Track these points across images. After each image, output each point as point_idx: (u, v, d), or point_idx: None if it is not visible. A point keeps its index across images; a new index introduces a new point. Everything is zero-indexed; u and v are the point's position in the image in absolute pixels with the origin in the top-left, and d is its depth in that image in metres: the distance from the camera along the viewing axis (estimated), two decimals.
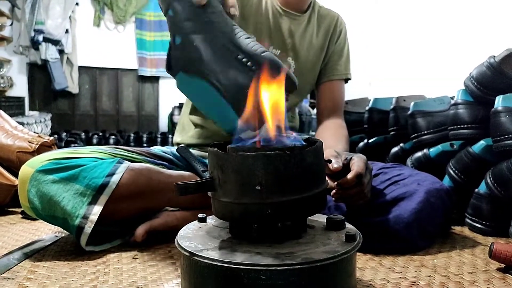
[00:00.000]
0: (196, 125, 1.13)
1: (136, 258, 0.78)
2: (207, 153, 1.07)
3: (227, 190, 0.54)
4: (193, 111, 1.14)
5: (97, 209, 0.78)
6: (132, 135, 3.68)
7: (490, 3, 2.84)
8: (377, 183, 0.89)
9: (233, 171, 0.53)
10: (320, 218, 0.65)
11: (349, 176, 0.76)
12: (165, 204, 0.89)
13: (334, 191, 0.78)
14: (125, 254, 0.80)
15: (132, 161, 0.89)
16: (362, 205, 0.83)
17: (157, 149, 1.05)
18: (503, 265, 0.74)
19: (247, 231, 0.56)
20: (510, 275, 0.71)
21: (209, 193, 0.58)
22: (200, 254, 0.51)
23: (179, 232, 0.60)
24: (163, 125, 4.26)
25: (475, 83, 1.00)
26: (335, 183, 0.77)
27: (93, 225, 0.77)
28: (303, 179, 0.53)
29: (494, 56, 0.98)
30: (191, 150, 1.09)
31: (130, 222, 0.86)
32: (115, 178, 0.80)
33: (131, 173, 0.83)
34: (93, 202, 0.78)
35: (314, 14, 1.15)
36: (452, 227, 0.98)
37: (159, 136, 3.70)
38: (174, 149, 1.09)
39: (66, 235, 0.92)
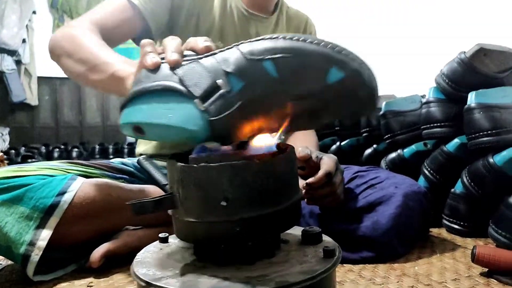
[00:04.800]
0: None
1: (91, 286, 0.70)
2: None
3: (189, 207, 0.47)
4: None
5: (45, 234, 0.69)
6: (97, 147, 3.53)
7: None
8: (353, 186, 0.85)
9: (195, 185, 0.46)
10: (295, 231, 0.59)
11: (318, 174, 0.72)
12: (126, 223, 0.81)
13: (304, 191, 0.74)
14: (79, 282, 0.72)
15: (87, 177, 0.80)
16: (336, 208, 0.79)
17: (117, 161, 0.96)
18: (485, 269, 0.71)
19: (213, 253, 0.49)
20: (494, 280, 0.67)
21: (170, 212, 0.51)
22: (157, 284, 0.44)
23: (136, 256, 0.53)
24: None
25: (446, 80, 0.98)
26: (305, 182, 0.73)
27: (41, 252, 0.68)
28: (274, 191, 0.47)
29: (465, 52, 0.96)
30: (154, 161, 1.01)
31: (85, 245, 0.77)
32: (67, 197, 0.72)
33: (86, 190, 0.74)
34: (41, 225, 0.69)
35: (282, 16, 1.10)
36: (429, 229, 0.95)
37: (125, 147, 3.57)
38: (136, 160, 1.01)
39: (12, 263, 0.82)
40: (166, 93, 0.49)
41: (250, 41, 0.47)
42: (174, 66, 0.49)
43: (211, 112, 0.47)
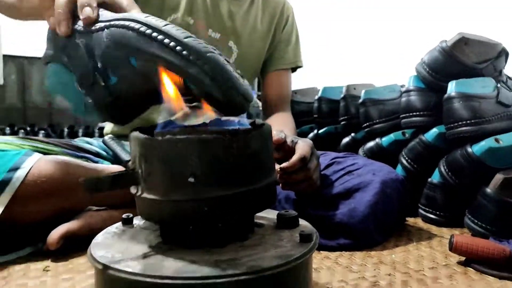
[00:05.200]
0: None
1: (47, 270, 0.64)
2: None
3: (153, 184, 0.42)
4: None
5: None
6: (66, 129, 3.38)
7: None
8: (330, 173, 0.82)
9: (160, 160, 0.41)
10: (270, 214, 0.55)
11: (293, 159, 0.69)
12: (88, 203, 0.75)
13: (278, 176, 0.70)
14: (34, 265, 0.66)
15: (45, 154, 0.74)
16: (312, 194, 0.76)
17: (80, 140, 0.90)
18: (462, 258, 0.70)
19: (180, 235, 0.45)
20: (471, 269, 0.66)
21: (132, 189, 0.46)
22: (116, 266, 0.40)
23: (95, 238, 0.48)
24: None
25: (427, 69, 0.96)
26: (279, 167, 0.69)
27: None
28: (247, 169, 0.43)
29: (446, 41, 0.94)
30: (122, 142, 0.95)
31: (43, 226, 0.71)
32: (20, 173, 0.66)
33: (43, 166, 0.68)
34: None
35: None
36: (406, 218, 0.94)
37: (96, 130, 3.44)
38: (101, 142, 0.95)
39: None
40: (59, 66, 0.52)
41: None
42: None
43: (88, 100, 0.49)
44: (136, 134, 0.44)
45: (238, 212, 0.43)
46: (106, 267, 0.40)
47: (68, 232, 0.69)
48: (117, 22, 0.46)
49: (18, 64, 3.74)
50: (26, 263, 0.67)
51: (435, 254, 0.73)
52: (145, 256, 0.42)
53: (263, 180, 0.45)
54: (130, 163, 0.46)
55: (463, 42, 0.90)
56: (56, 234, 0.68)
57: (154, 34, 0.43)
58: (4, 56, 3.60)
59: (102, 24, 0.48)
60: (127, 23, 0.45)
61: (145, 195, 0.43)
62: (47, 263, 0.67)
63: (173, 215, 0.42)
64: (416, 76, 1.01)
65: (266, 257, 0.41)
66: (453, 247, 0.67)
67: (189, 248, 0.44)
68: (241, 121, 0.50)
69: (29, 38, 3.59)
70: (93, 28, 0.49)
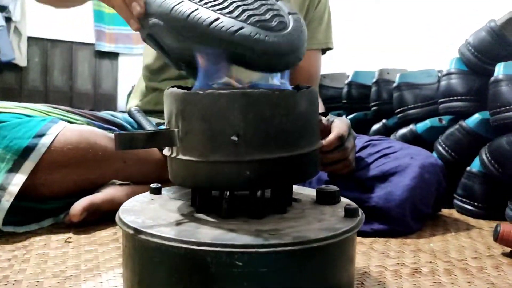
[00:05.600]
0: (154, 90, 0.96)
1: (69, 242, 0.61)
2: None
3: (190, 144, 0.39)
4: (152, 75, 0.97)
5: (19, 179, 0.61)
6: None
7: None
8: (365, 155, 0.77)
9: (199, 117, 0.38)
10: (306, 191, 0.51)
11: (330, 137, 0.65)
12: (112, 176, 0.73)
13: None
14: (56, 237, 0.64)
15: (71, 123, 0.72)
16: (346, 176, 0.72)
17: (105, 113, 0.87)
18: (507, 250, 0.65)
19: (215, 202, 0.41)
20: None
21: (165, 151, 0.43)
22: (148, 231, 0.36)
23: (123, 204, 0.45)
24: (122, 104, 3.97)
25: (472, 50, 0.90)
26: None
27: (12, 198, 0.60)
28: (294, 132, 0.39)
29: (495, 20, 0.87)
30: (148, 117, 0.92)
31: (66, 197, 0.69)
32: (46, 140, 0.63)
33: (69, 134, 0.66)
34: (15, 169, 0.61)
35: None
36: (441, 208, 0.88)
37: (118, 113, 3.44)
38: (126, 115, 0.92)
39: None
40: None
41: None
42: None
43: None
44: (173, 89, 0.40)
45: (281, 179, 0.39)
46: (137, 231, 0.37)
47: (91, 204, 0.67)
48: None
49: (42, 46, 3.77)
50: (47, 234, 0.65)
51: (476, 245, 0.68)
52: (178, 223, 0.39)
53: (309, 146, 0.41)
54: (164, 124, 0.43)
55: None
56: (79, 206, 0.66)
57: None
58: (29, 38, 3.63)
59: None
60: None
61: (180, 156, 0.40)
62: (69, 234, 0.65)
63: (211, 179, 0.39)
64: (458, 58, 0.95)
65: (311, 229, 0.37)
66: (499, 237, 0.62)
67: (224, 218, 0.40)
68: (284, 85, 0.46)
69: (54, 21, 3.61)
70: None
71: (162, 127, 0.46)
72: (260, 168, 0.38)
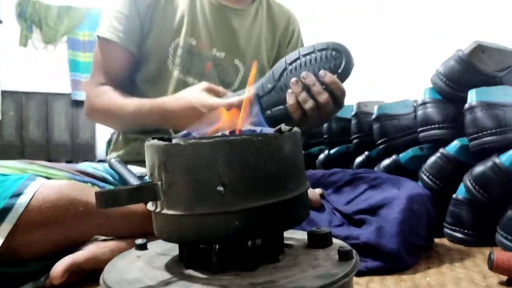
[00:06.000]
0: (135, 140, 0.95)
1: None
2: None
3: (175, 197, 0.37)
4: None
5: None
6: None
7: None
8: (352, 188, 0.77)
9: (183, 169, 0.37)
10: (297, 235, 0.50)
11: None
12: (94, 232, 0.69)
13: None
14: None
15: (48, 179, 0.69)
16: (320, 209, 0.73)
17: (84, 165, 0.85)
18: (503, 278, 0.64)
19: (204, 257, 0.40)
20: None
21: (149, 206, 0.41)
22: None
23: (108, 264, 0.43)
24: (101, 153, 3.92)
25: (444, 79, 0.93)
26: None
27: None
28: (281, 176, 0.38)
29: (462, 50, 0.91)
30: (130, 167, 0.90)
31: (45, 258, 0.65)
32: (23, 200, 0.60)
33: (47, 192, 0.63)
34: None
35: (262, 8, 1.03)
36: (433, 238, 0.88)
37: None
38: (107, 166, 0.90)
39: None
40: None
41: None
42: None
43: None
44: (153, 141, 0.39)
45: (272, 226, 0.38)
46: None
47: (73, 264, 0.63)
48: None
49: (16, 99, 3.73)
50: None
51: (472, 275, 0.67)
52: (167, 282, 0.37)
53: (297, 190, 0.40)
54: (146, 176, 0.41)
55: (480, 50, 0.88)
56: (60, 266, 0.62)
57: None
58: (3, 92, 3.59)
59: None
60: None
61: (165, 210, 0.38)
62: None
63: (198, 232, 0.37)
64: (431, 88, 0.98)
65: (306, 277, 0.36)
66: (494, 265, 0.62)
67: (214, 273, 0.38)
68: (264, 130, 0.46)
69: (28, 73, 3.60)
70: None
71: (146, 178, 0.45)
72: (249, 217, 0.36)
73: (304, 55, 0.74)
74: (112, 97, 0.90)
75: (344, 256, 0.40)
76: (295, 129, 0.43)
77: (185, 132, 0.45)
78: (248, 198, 0.36)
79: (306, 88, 0.72)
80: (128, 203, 0.37)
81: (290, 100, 0.73)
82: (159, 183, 0.38)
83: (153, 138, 0.41)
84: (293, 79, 0.73)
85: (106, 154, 3.94)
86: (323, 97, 0.72)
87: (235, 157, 0.36)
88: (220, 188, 0.35)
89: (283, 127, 0.46)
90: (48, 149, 3.83)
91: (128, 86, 0.96)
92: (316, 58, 0.73)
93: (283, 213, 0.39)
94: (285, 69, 0.76)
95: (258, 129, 0.47)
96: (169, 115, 0.84)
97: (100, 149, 3.96)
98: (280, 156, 0.38)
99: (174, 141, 0.40)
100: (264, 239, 0.41)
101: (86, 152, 3.93)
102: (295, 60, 0.75)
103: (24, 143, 3.72)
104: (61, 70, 3.76)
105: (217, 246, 0.38)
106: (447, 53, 0.97)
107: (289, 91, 0.73)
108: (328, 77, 0.72)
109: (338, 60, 0.72)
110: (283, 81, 0.75)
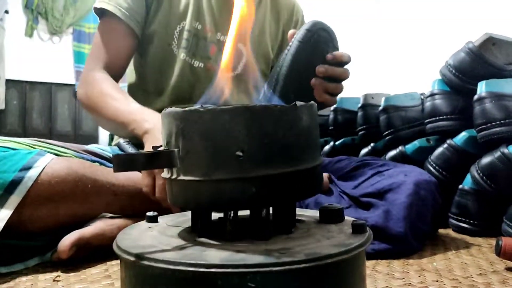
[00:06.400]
0: None
1: (57, 281, 0.58)
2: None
3: (192, 163, 0.37)
4: None
5: (3, 214, 0.57)
6: None
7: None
8: (359, 174, 0.77)
9: (201, 135, 0.37)
10: (308, 213, 0.50)
11: (341, 51, 0.75)
12: (102, 209, 0.70)
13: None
14: (43, 276, 0.60)
15: (58, 156, 0.69)
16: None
17: (92, 146, 0.85)
18: (510, 264, 0.64)
19: (217, 226, 0.40)
20: None
21: (164, 174, 0.41)
22: (151, 256, 0.34)
23: (119, 233, 0.43)
24: (104, 144, 3.93)
25: (453, 71, 0.93)
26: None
27: None
28: (298, 146, 0.38)
29: (472, 42, 0.91)
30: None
31: (53, 233, 0.65)
32: (33, 173, 0.60)
33: (56, 167, 0.63)
34: None
35: None
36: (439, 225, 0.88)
37: None
38: (115, 148, 0.90)
39: None
40: None
41: None
42: None
43: None
44: (172, 109, 0.39)
45: (287, 194, 0.38)
46: (139, 257, 0.35)
47: (80, 239, 0.63)
48: None
49: (20, 89, 3.73)
50: (34, 274, 0.61)
51: (479, 262, 0.67)
52: (182, 247, 0.37)
53: (312, 161, 0.40)
54: (162, 146, 0.42)
55: (490, 42, 0.88)
56: (67, 241, 0.62)
57: None
58: (7, 81, 3.59)
59: None
60: None
61: (181, 177, 0.38)
62: (58, 273, 0.61)
63: (214, 198, 0.37)
64: (440, 79, 0.98)
65: (322, 246, 0.36)
66: (501, 251, 0.62)
67: (228, 241, 0.38)
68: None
69: (32, 63, 3.60)
70: None
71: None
72: (265, 184, 0.36)
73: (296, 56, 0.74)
74: (103, 90, 0.85)
75: (357, 229, 0.40)
76: (312, 102, 0.43)
77: (198, 103, 0.45)
78: (265, 165, 0.36)
79: (328, 79, 0.74)
80: (144, 168, 0.37)
81: (317, 93, 0.75)
82: (175, 150, 0.38)
83: (167, 108, 0.41)
84: (313, 80, 0.73)
85: (109, 145, 3.93)
86: (344, 74, 0.74)
87: (254, 124, 0.36)
88: (239, 153, 0.35)
89: (298, 102, 0.46)
90: (50, 138, 3.82)
91: (123, 73, 0.94)
92: (312, 49, 0.73)
93: (298, 183, 0.39)
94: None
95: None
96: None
97: (103, 140, 3.97)
98: (298, 127, 0.38)
99: (192, 107, 0.40)
100: (277, 210, 0.41)
101: (88, 143, 3.92)
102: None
103: (26, 132, 3.72)
104: (66, 61, 3.76)
105: (231, 214, 0.38)
106: (455, 47, 0.97)
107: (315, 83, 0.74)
108: (338, 56, 0.72)
109: (327, 37, 0.73)
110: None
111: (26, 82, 3.67)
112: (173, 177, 0.39)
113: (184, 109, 0.38)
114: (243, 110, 0.36)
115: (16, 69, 3.54)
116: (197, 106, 0.42)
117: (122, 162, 0.36)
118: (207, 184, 0.37)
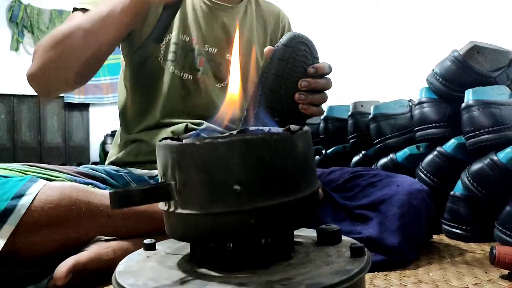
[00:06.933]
0: (133, 141, 0.95)
1: None
2: (149, 171, 0.90)
3: (189, 196, 0.38)
4: (129, 125, 0.96)
5: None
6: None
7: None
8: (352, 186, 0.78)
9: (198, 168, 0.37)
10: (305, 232, 0.50)
11: (322, 63, 0.69)
12: (97, 232, 0.69)
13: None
14: None
15: (50, 180, 0.68)
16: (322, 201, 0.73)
17: (85, 167, 0.84)
18: (504, 272, 0.65)
19: (218, 255, 0.40)
20: None
21: (161, 206, 0.41)
22: None
23: (118, 266, 0.42)
24: (95, 155, 3.89)
25: (440, 79, 0.94)
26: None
27: None
28: (295, 175, 0.39)
29: (457, 50, 0.93)
30: (129, 169, 0.90)
31: (47, 260, 0.64)
32: (25, 201, 0.60)
33: (49, 192, 0.62)
34: None
35: (250, 6, 1.04)
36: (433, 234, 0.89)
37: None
38: (107, 167, 0.89)
39: None
40: None
41: None
42: None
43: None
44: (167, 141, 0.39)
45: (286, 224, 0.38)
46: None
47: (76, 265, 0.62)
48: None
49: (8, 102, 3.68)
50: None
51: (474, 270, 0.68)
52: (183, 281, 0.37)
53: (310, 187, 0.40)
54: (159, 177, 0.42)
55: (475, 50, 0.89)
56: (63, 267, 0.61)
57: None
58: None
59: None
60: None
61: (179, 210, 0.38)
62: None
63: (213, 231, 0.37)
64: (427, 87, 0.99)
65: (322, 274, 0.36)
66: (496, 260, 0.63)
67: (229, 271, 0.38)
68: (272, 129, 0.46)
69: (19, 76, 3.55)
70: None
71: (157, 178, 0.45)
72: (264, 216, 0.37)
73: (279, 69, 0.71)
74: (70, 24, 0.80)
75: (356, 252, 0.41)
76: (306, 128, 0.43)
77: (194, 132, 0.45)
78: (263, 197, 0.37)
79: (312, 91, 0.71)
80: (141, 203, 0.37)
81: (303, 108, 0.71)
82: (172, 182, 0.38)
83: (164, 139, 0.41)
84: (298, 95, 0.70)
85: (100, 157, 3.86)
86: (327, 85, 0.72)
87: (250, 156, 0.36)
88: (237, 187, 0.35)
89: (292, 126, 0.46)
90: (40, 152, 3.78)
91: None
92: (293, 64, 0.70)
93: (297, 211, 0.39)
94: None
95: (266, 128, 0.47)
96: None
97: (94, 151, 3.93)
98: (294, 155, 0.39)
99: (188, 140, 0.40)
100: (276, 237, 0.41)
101: (79, 154, 3.89)
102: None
103: (16, 146, 3.67)
104: None
105: (231, 245, 0.38)
106: (441, 54, 0.98)
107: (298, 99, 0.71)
108: (320, 69, 0.70)
109: (307, 50, 0.71)
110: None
111: (14, 95, 3.62)
112: (171, 209, 0.39)
113: (179, 142, 0.38)
114: (239, 142, 0.36)
115: (3, 83, 3.49)
116: (193, 135, 0.43)
117: (119, 199, 0.36)
118: (206, 218, 0.37)
